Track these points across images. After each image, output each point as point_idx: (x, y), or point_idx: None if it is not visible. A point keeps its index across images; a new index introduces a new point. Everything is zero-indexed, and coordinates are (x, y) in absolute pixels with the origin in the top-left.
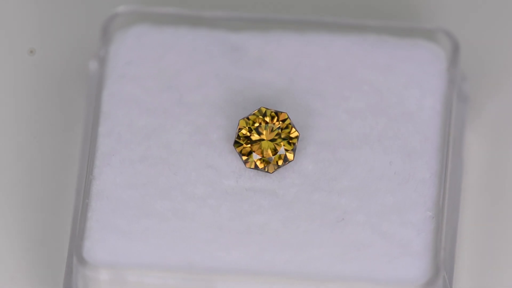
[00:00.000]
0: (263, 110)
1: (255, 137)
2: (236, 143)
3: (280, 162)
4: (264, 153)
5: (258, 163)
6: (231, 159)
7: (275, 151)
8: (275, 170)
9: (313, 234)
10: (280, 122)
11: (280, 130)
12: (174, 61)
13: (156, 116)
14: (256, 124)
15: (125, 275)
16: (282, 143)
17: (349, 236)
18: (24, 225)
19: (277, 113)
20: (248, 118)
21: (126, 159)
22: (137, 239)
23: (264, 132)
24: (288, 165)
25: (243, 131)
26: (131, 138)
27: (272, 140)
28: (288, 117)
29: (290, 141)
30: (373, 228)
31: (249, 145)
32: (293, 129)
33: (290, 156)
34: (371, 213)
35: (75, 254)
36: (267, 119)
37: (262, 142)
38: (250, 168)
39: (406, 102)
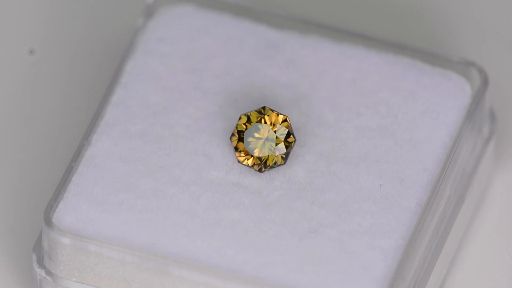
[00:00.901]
0: (266, 109)
1: (251, 133)
2: (233, 136)
3: (270, 163)
4: (257, 151)
5: (249, 160)
6: (228, 152)
7: (268, 151)
8: (265, 170)
9: (281, 240)
10: (278, 125)
11: (276, 132)
12: (206, 45)
13: (170, 95)
14: (255, 121)
15: (86, 244)
16: (275, 146)
17: (315, 249)
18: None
19: (278, 115)
20: (249, 114)
21: (126, 132)
22: (108, 210)
23: (261, 131)
24: (280, 169)
25: (242, 126)
26: (138, 112)
27: (268, 140)
28: (288, 121)
29: (285, 145)
30: (341, 246)
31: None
32: (291, 134)
33: (279, 159)
34: (345, 230)
35: (44, 213)
36: (266, 118)
37: (258, 140)
38: (242, 163)
39: (417, 130)
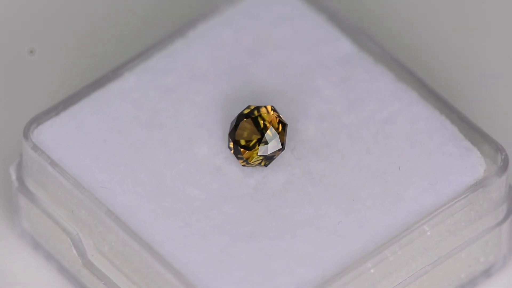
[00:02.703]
0: (269, 108)
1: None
2: (236, 120)
3: (252, 156)
4: (247, 135)
5: (234, 145)
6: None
7: (256, 144)
8: (245, 165)
9: (216, 231)
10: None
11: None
12: (275, 32)
13: (201, 78)
14: (253, 115)
15: (48, 166)
16: (261, 146)
17: (241, 251)
18: None
19: (279, 117)
20: (257, 107)
21: (155, 83)
22: (91, 147)
23: (262, 124)
24: (265, 171)
25: (245, 112)
26: (170, 70)
27: (262, 137)
28: (284, 130)
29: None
30: (265, 262)
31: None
32: (282, 143)
33: (260, 159)
34: (278, 247)
35: (26, 124)
36: (265, 116)
37: (250, 129)
38: (230, 148)
39: (414, 186)
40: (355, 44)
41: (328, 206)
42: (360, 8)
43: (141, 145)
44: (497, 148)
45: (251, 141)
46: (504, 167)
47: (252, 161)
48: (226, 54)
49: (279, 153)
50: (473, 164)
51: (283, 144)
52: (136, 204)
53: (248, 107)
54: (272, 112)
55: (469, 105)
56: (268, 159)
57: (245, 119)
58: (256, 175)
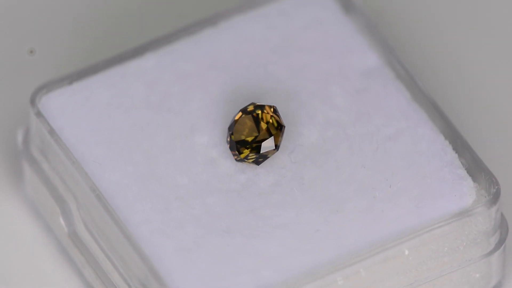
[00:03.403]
0: (270, 108)
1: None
2: (238, 113)
3: (244, 153)
4: (244, 131)
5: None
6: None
7: (251, 141)
8: (238, 160)
9: (191, 220)
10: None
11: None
12: (304, 34)
13: (220, 69)
14: (255, 114)
15: (48, 135)
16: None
17: (212, 245)
18: None
19: (278, 119)
20: (261, 105)
21: (174, 67)
22: (94, 121)
23: (260, 123)
24: (256, 170)
25: (250, 108)
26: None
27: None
28: (281, 131)
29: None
30: (229, 259)
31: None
32: (276, 144)
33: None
34: (251, 246)
35: (37, 89)
36: (265, 116)
37: (249, 125)
38: (227, 142)
39: (400, 206)
40: (381, 59)
41: (310, 213)
42: (397, 24)
43: (144, 126)
44: (491, 180)
45: (247, 137)
46: (494, 200)
47: (244, 157)
48: (251, 49)
49: (273, 154)
50: (463, 193)
51: (277, 145)
52: (122, 183)
53: (251, 104)
54: (272, 113)
55: (476, 133)
56: (261, 158)
57: (245, 115)
58: (248, 172)
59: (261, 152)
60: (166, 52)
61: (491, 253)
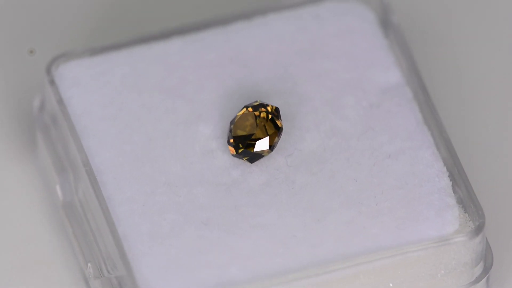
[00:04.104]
0: (272, 108)
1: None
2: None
3: (239, 148)
4: (244, 127)
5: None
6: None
7: (248, 138)
8: (234, 155)
9: (172, 206)
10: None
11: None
12: (333, 41)
13: (240, 64)
14: (257, 113)
15: (58, 106)
16: (250, 142)
17: (191, 237)
18: None
19: (278, 120)
20: (265, 104)
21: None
22: (104, 96)
23: (260, 121)
24: (250, 168)
25: (254, 105)
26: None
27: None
28: (279, 133)
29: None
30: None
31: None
32: (271, 145)
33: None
34: (232, 243)
35: (54, 58)
36: (265, 115)
37: (249, 122)
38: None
39: (382, 225)
40: (403, 77)
41: (291, 217)
42: (431, 45)
43: (152, 109)
44: (478, 213)
45: (245, 134)
46: (476, 232)
47: (239, 153)
48: (277, 48)
49: (268, 154)
50: (446, 221)
51: (271, 146)
52: (116, 160)
53: (256, 101)
54: (272, 113)
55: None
56: (254, 156)
57: (248, 112)
58: (242, 169)
59: (254, 150)
60: (193, 40)
61: (472, 284)
